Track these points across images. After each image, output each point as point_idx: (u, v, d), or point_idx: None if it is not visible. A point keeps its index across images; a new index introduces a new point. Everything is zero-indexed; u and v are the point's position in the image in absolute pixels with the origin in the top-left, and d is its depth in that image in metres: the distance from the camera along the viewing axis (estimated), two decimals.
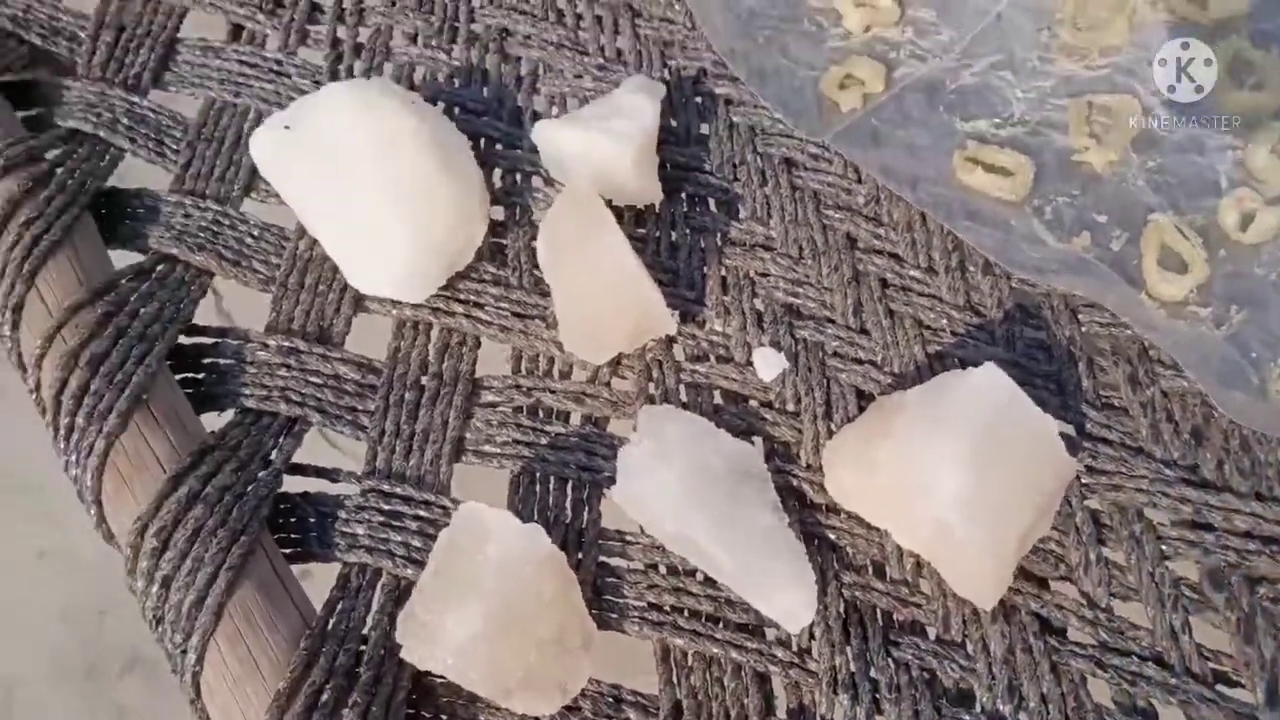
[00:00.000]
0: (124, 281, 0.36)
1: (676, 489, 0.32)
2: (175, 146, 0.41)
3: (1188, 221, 0.39)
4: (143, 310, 0.35)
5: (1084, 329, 0.38)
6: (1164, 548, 0.34)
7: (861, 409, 0.37)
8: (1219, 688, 0.31)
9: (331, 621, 0.30)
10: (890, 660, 0.32)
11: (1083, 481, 0.35)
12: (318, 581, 0.32)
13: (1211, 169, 0.41)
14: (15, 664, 0.71)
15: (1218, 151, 0.41)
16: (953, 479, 0.30)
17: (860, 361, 0.38)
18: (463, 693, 0.29)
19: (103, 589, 0.74)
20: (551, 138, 0.41)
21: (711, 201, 0.42)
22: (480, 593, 0.29)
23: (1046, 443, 0.32)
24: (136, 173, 0.41)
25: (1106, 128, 0.42)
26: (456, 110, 0.44)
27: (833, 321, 0.39)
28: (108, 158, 0.40)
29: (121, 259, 0.38)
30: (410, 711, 0.29)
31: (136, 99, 0.42)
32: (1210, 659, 0.32)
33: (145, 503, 0.30)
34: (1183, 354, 0.36)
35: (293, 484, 0.34)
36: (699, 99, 0.45)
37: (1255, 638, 0.31)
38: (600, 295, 0.37)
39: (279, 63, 0.45)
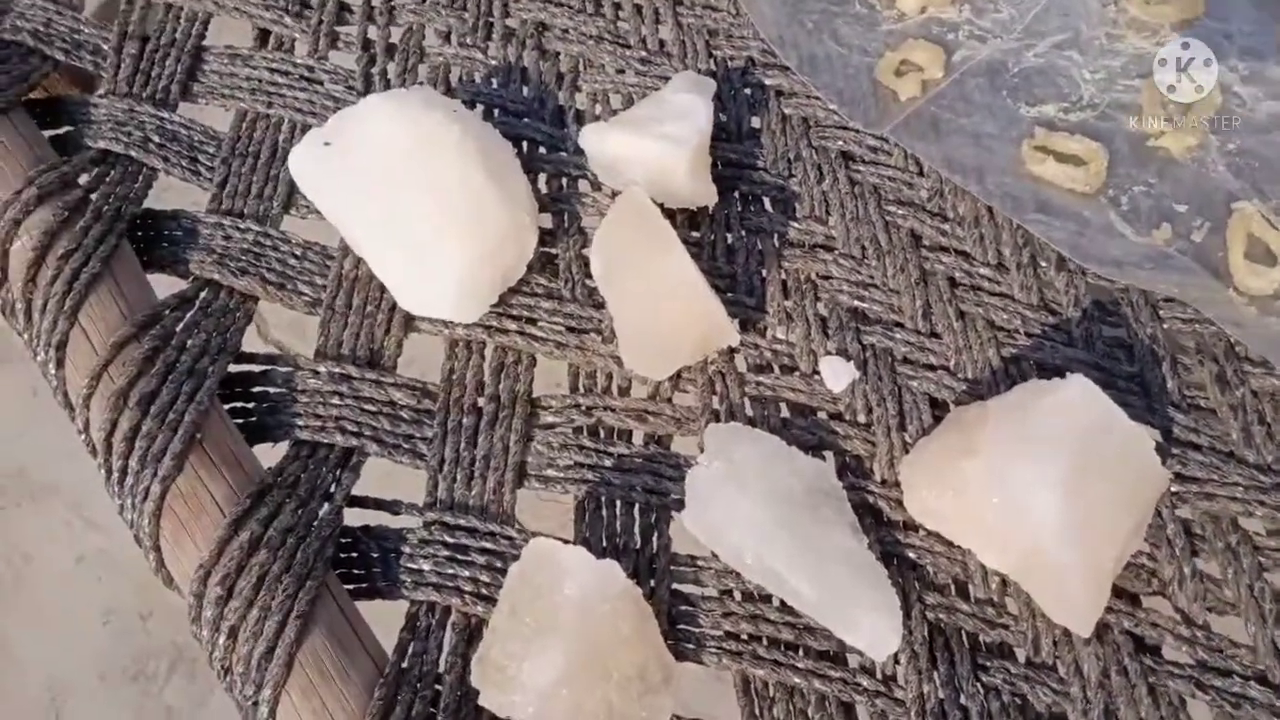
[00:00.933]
0: (168, 312, 0.35)
1: (753, 515, 0.31)
2: (210, 164, 0.40)
3: (1274, 208, 0.37)
4: (190, 342, 0.34)
5: (1166, 326, 0.37)
6: (1261, 559, 0.32)
7: (936, 418, 0.35)
8: None
9: (405, 664, 0.29)
10: (980, 685, 0.31)
11: (1173, 490, 0.33)
12: (376, 609, 0.31)
13: None
14: (61, 670, 0.71)
15: None
16: (1048, 504, 0.29)
17: (933, 368, 0.36)
18: None
19: (143, 591, 0.74)
20: (600, 142, 0.39)
21: (767, 200, 0.41)
22: (558, 634, 0.28)
23: (1142, 457, 0.31)
24: (172, 192, 0.40)
25: (1183, 109, 0.40)
26: (496, 113, 0.43)
27: (901, 325, 0.37)
28: (141, 178, 0.39)
29: (160, 283, 0.37)
30: None
31: (166, 114, 0.41)
32: None
33: (206, 548, 0.29)
34: (1274, 351, 0.35)
35: (351, 516, 0.33)
36: (748, 91, 0.43)
37: None
38: (661, 308, 0.35)
39: (310, 69, 0.43)
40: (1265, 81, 0.40)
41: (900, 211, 0.40)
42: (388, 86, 0.43)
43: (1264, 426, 0.34)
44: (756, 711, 0.30)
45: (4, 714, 0.70)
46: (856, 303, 0.38)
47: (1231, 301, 0.36)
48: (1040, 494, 0.29)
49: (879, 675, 0.31)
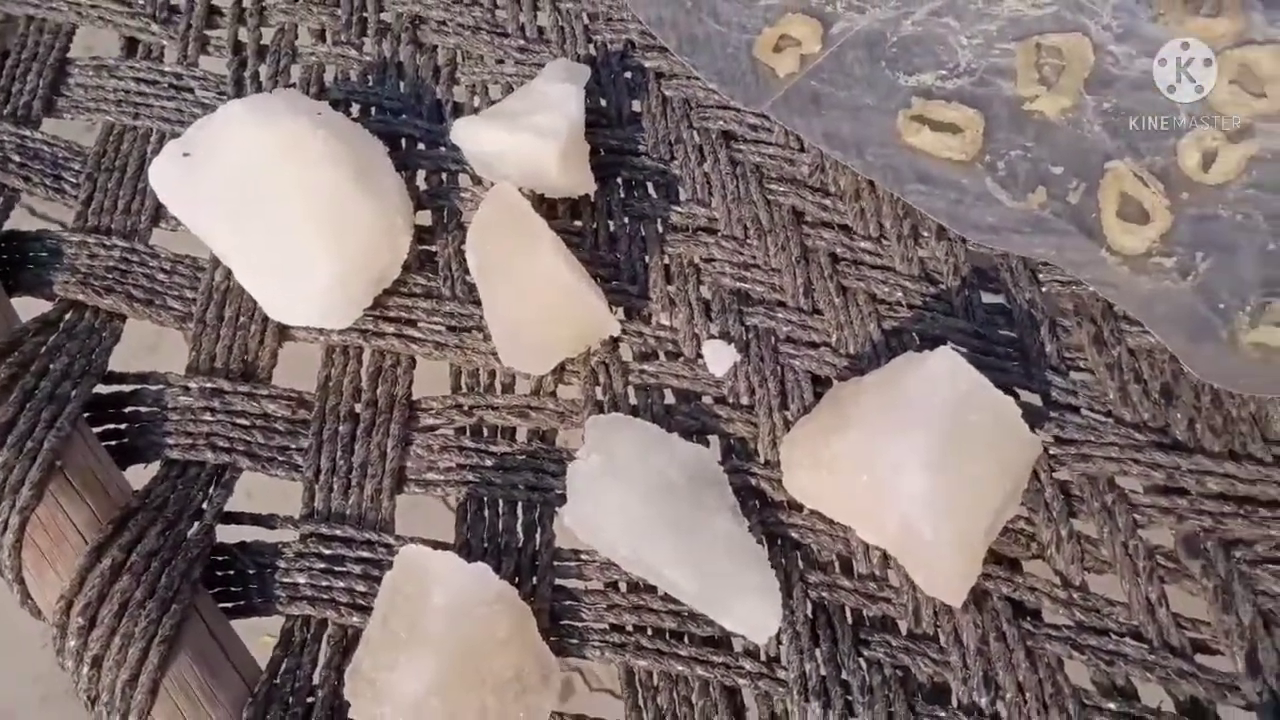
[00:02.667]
0: (29, 337, 0.34)
1: (630, 508, 0.31)
2: (74, 180, 0.39)
3: (1147, 165, 0.37)
4: (52, 366, 0.33)
5: (1045, 290, 0.37)
6: (1137, 517, 0.32)
7: (818, 396, 0.35)
8: (1198, 658, 0.30)
9: (277, 681, 0.29)
10: (861, 661, 0.31)
11: (1051, 453, 0.34)
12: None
13: (1170, 106, 0.38)
14: (3, 694, 0.70)
15: None
16: (915, 477, 0.29)
17: (814, 345, 0.36)
18: None
19: None
20: (473, 137, 0.38)
21: (649, 185, 0.40)
22: (429, 643, 0.28)
23: (1011, 426, 0.31)
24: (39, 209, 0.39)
25: (1057, 70, 0.40)
26: (373, 110, 0.42)
27: (784, 305, 0.37)
28: (2, 199, 0.38)
29: (26, 307, 0.36)
30: None
31: (28, 132, 0.40)
32: (1188, 628, 0.31)
33: (68, 578, 0.29)
34: (1147, 310, 0.35)
35: (229, 533, 0.32)
36: (628, 75, 0.43)
37: (1233, 604, 0.30)
38: (535, 303, 0.35)
39: (179, 76, 0.42)
40: (1138, 38, 0.40)
41: (782, 189, 0.39)
42: (260, 89, 0.42)
43: (1140, 384, 0.34)
44: (640, 702, 0.30)
45: None
46: (739, 284, 0.38)
47: (1105, 262, 0.36)
48: (907, 470, 0.29)
49: (762, 657, 0.31)
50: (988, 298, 0.37)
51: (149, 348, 0.43)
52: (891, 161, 0.39)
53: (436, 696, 0.27)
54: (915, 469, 0.29)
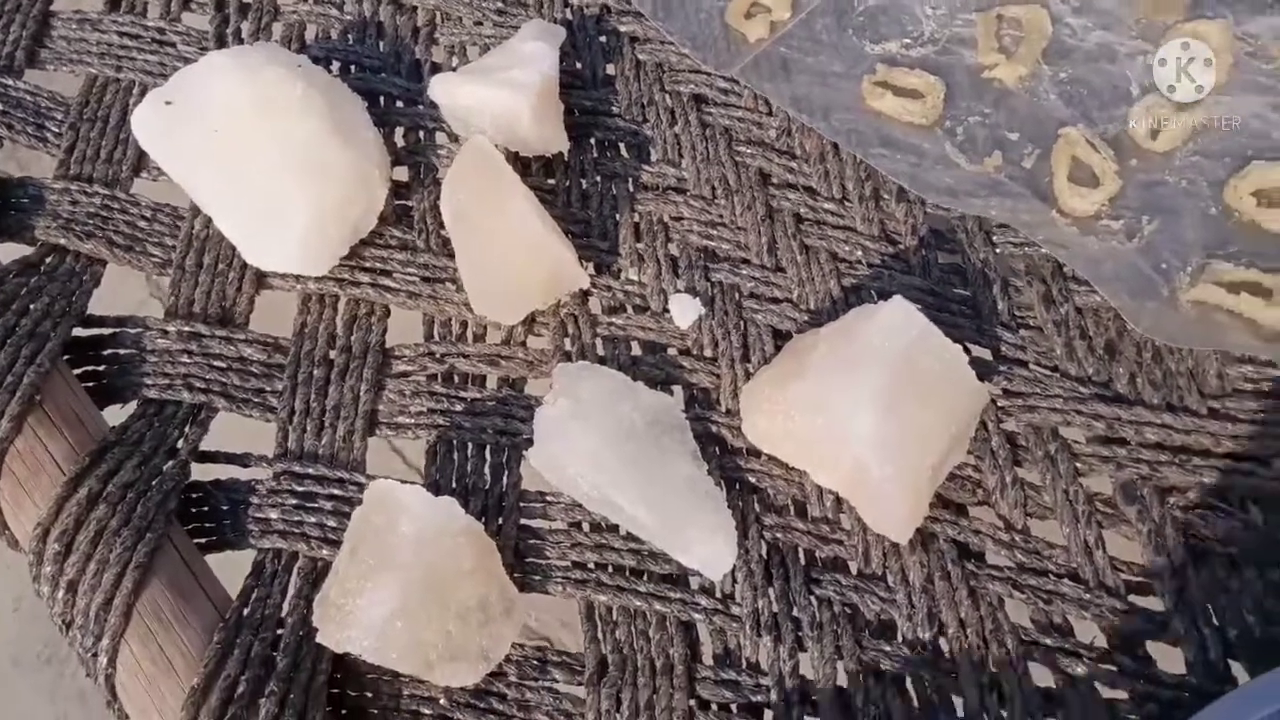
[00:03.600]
0: (10, 278, 0.35)
1: (593, 449, 0.32)
2: (57, 129, 0.40)
3: (1099, 133, 0.39)
4: (32, 306, 0.34)
5: (998, 250, 0.38)
6: (1078, 465, 0.34)
7: (779, 349, 0.36)
8: (1131, 598, 0.32)
9: (246, 610, 0.30)
10: (812, 598, 0.32)
11: (999, 405, 0.35)
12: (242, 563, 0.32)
13: (1123, 76, 0.40)
14: None
15: (1129, 58, 0.40)
16: (866, 418, 0.30)
17: (777, 300, 0.37)
18: (385, 670, 0.30)
19: None
20: (449, 92, 0.39)
21: (622, 146, 0.41)
22: (396, 570, 0.29)
23: (959, 373, 0.32)
24: (20, 158, 0.39)
25: (1017, 40, 0.41)
26: (352, 69, 0.43)
27: (748, 262, 0.38)
28: None
29: (9, 252, 0.37)
30: (334, 691, 0.29)
31: (10, 81, 0.40)
32: (1123, 570, 0.32)
33: (44, 506, 0.30)
34: (1094, 270, 0.36)
35: (205, 472, 0.33)
36: (603, 38, 0.44)
37: (1165, 546, 0.32)
38: (508, 255, 0.36)
39: (161, 31, 0.43)
40: (1095, 12, 0.41)
41: (749, 151, 0.41)
42: (241, 45, 0.43)
43: (1085, 341, 0.36)
44: (600, 635, 0.31)
45: None
46: (706, 242, 0.39)
47: (1056, 224, 0.37)
48: (858, 412, 0.31)
49: (717, 594, 0.32)
50: (944, 258, 0.38)
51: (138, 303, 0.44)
52: (856, 126, 0.40)
53: (401, 620, 0.28)
54: (866, 410, 0.31)
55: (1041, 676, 0.31)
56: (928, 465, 0.31)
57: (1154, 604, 0.32)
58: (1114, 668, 0.31)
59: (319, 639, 0.29)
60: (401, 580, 0.29)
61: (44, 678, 0.70)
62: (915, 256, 0.38)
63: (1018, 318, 0.37)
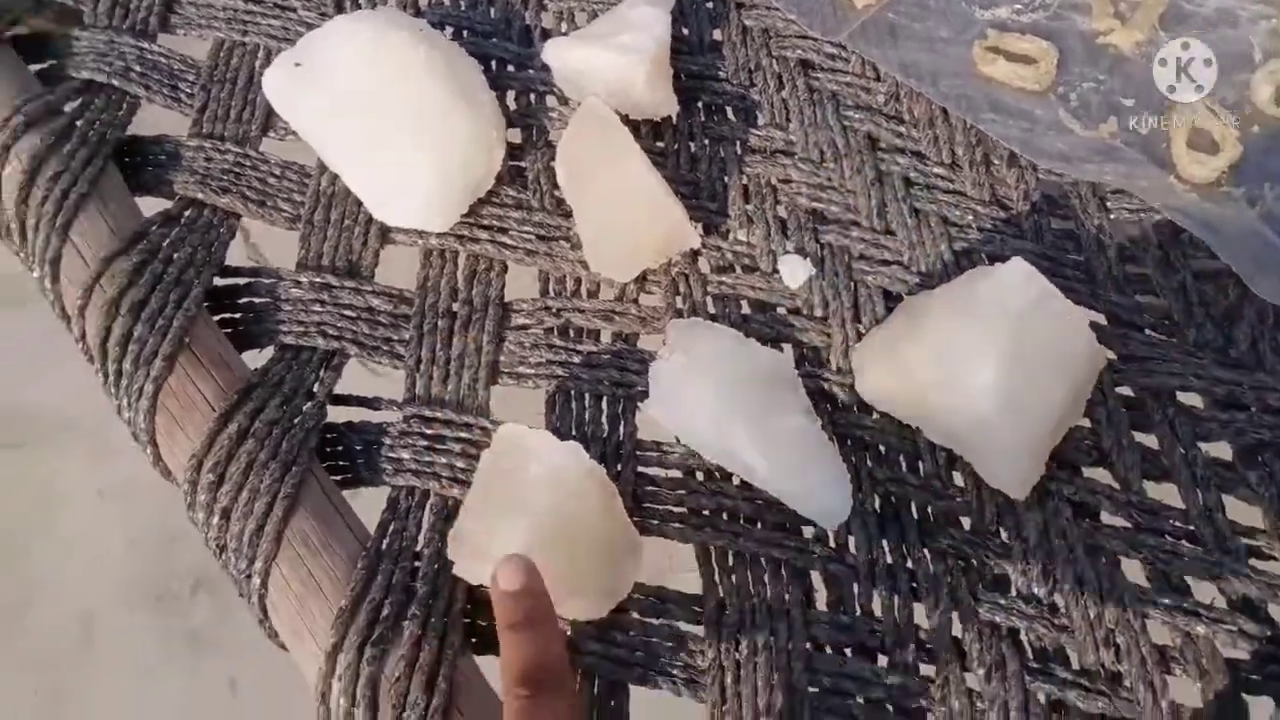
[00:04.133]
0: (154, 229, 0.36)
1: (711, 399, 0.33)
2: (190, 90, 0.41)
3: (1218, 99, 0.38)
4: (175, 255, 0.36)
5: (1113, 216, 0.38)
6: (1197, 429, 0.34)
7: (889, 310, 0.37)
8: (1252, 562, 0.32)
9: (385, 542, 0.31)
10: (926, 551, 0.33)
11: (1115, 369, 0.35)
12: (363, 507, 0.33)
13: (1244, 41, 0.39)
14: (90, 597, 0.74)
15: (1250, 23, 0.39)
16: (987, 374, 0.31)
17: (887, 263, 0.38)
18: None
19: (163, 519, 0.77)
20: (562, 57, 0.40)
21: (729, 110, 0.42)
22: (525, 510, 0.30)
23: (1078, 334, 0.32)
24: (154, 118, 0.41)
25: (1133, 6, 0.41)
26: (465, 34, 0.44)
27: (857, 224, 0.39)
28: (125, 106, 0.40)
29: (147, 206, 0.39)
30: (466, 622, 0.30)
31: (146, 44, 0.42)
32: (1244, 535, 0.32)
33: (198, 439, 0.31)
34: (1214, 236, 0.36)
35: (336, 414, 0.35)
36: (710, 5, 0.44)
37: None
38: (623, 213, 0.37)
39: None
40: None
41: (858, 116, 0.41)
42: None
43: (1203, 307, 0.36)
44: (716, 579, 0.32)
45: (39, 638, 0.73)
46: (814, 204, 0.39)
47: (1174, 190, 0.37)
48: (979, 369, 0.31)
49: (832, 544, 0.33)
50: (1057, 223, 0.38)
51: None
52: (966, 91, 0.40)
53: (531, 556, 0.29)
54: (987, 367, 0.31)
55: (1159, 635, 0.31)
56: (1047, 423, 0.31)
57: (1275, 568, 0.32)
58: (1234, 628, 0.31)
59: (455, 570, 0.30)
60: (531, 519, 0.30)
61: (154, 618, 0.73)
62: (1027, 221, 0.38)
63: (1133, 283, 0.37)
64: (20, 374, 0.82)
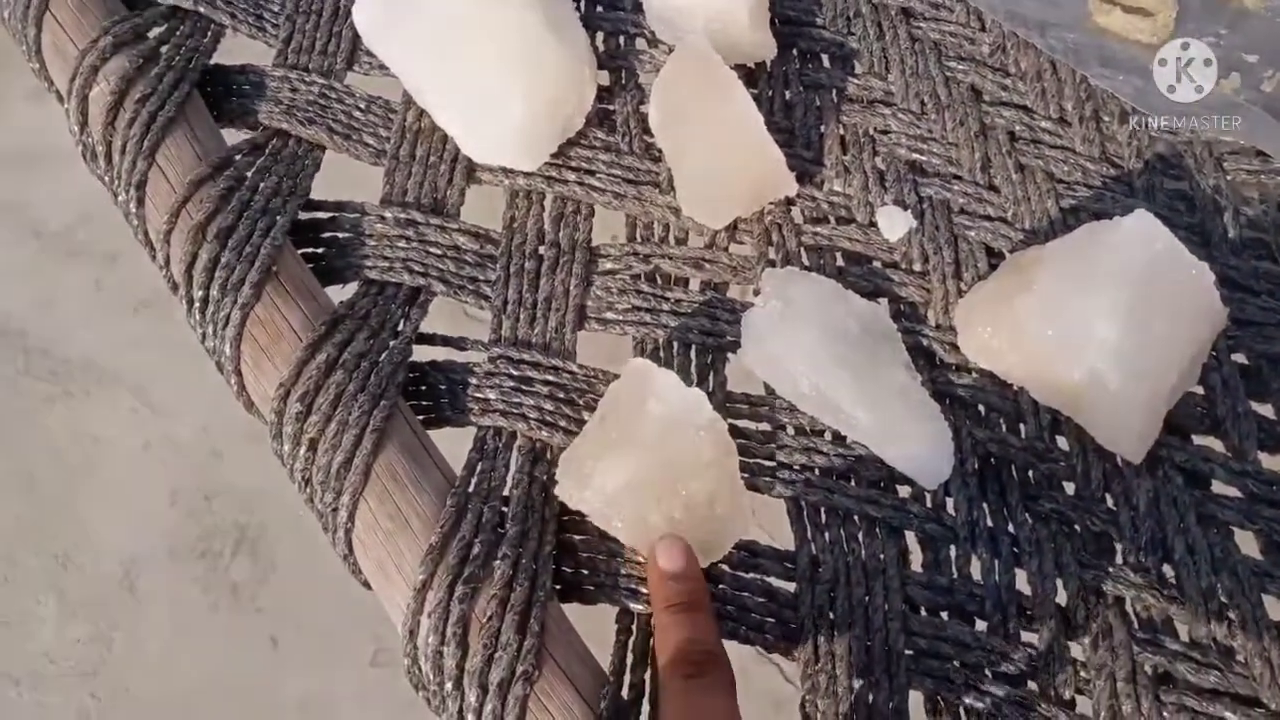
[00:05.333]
0: (240, 156, 0.36)
1: (810, 350, 0.32)
2: (274, 20, 0.41)
3: None
4: (262, 184, 0.35)
5: (1230, 177, 0.36)
6: None
7: (992, 266, 0.35)
8: None
9: (474, 481, 0.30)
10: (1028, 515, 0.31)
11: (1229, 334, 0.33)
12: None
13: None
14: (134, 547, 0.75)
15: None
16: (1107, 330, 0.29)
17: (990, 218, 0.36)
18: (604, 547, 0.30)
19: (206, 474, 0.77)
20: None
21: (825, 57, 0.41)
22: (638, 446, 0.29)
23: (1202, 292, 0.31)
24: (239, 48, 0.41)
25: None
26: None
27: (959, 178, 0.37)
28: (210, 33, 0.40)
29: (230, 136, 0.38)
30: (554, 567, 0.30)
31: None
32: None
33: (285, 369, 0.31)
34: None
35: (420, 353, 0.34)
36: None
37: None
38: (720, 156, 0.35)
39: None
40: None
41: (961, 67, 0.39)
42: None
43: None
44: (809, 535, 0.31)
45: (83, 587, 0.74)
46: (915, 156, 0.38)
47: None
48: (1098, 324, 0.30)
49: (929, 503, 0.32)
50: (1169, 183, 0.37)
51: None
52: (1077, 43, 0.38)
53: (630, 493, 0.28)
54: (1107, 322, 0.29)
55: (1275, 611, 0.30)
56: (1167, 383, 0.30)
57: None
58: None
59: (556, 490, 0.29)
60: (640, 457, 0.29)
61: (198, 569, 0.74)
62: (1139, 180, 0.36)
63: (1250, 246, 0.35)
64: (69, 325, 0.82)
